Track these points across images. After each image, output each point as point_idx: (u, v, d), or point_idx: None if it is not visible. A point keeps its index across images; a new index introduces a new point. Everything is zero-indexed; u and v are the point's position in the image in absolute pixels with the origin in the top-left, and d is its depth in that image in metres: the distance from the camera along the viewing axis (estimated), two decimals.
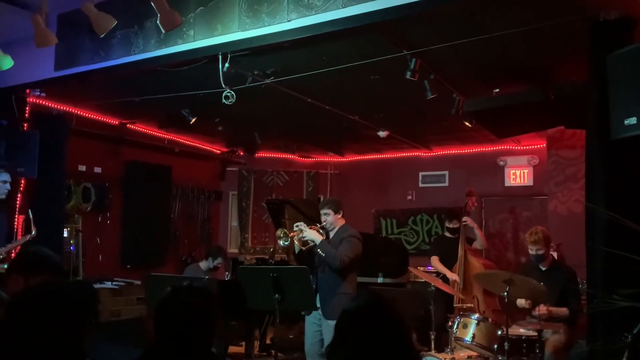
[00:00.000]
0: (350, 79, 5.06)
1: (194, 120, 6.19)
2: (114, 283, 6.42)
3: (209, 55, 4.41)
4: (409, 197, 8.81)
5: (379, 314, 1.84)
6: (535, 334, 4.17)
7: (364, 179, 9.17)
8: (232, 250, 9.03)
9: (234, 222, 9.36)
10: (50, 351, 1.75)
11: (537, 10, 3.68)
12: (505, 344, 4.08)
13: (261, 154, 9.05)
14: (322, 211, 4.59)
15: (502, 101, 5.06)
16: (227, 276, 7.31)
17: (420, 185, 8.78)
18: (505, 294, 4.13)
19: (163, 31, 4.00)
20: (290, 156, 9.21)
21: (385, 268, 7.01)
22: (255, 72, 4.90)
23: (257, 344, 6.29)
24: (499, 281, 4.17)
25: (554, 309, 4.34)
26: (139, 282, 6.51)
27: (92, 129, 6.77)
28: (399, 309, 1.88)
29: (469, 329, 4.41)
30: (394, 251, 7.41)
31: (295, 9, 3.88)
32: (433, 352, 4.63)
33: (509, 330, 4.15)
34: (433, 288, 4.94)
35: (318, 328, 4.48)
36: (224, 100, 4.70)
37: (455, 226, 5.93)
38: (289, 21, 3.92)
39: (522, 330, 4.33)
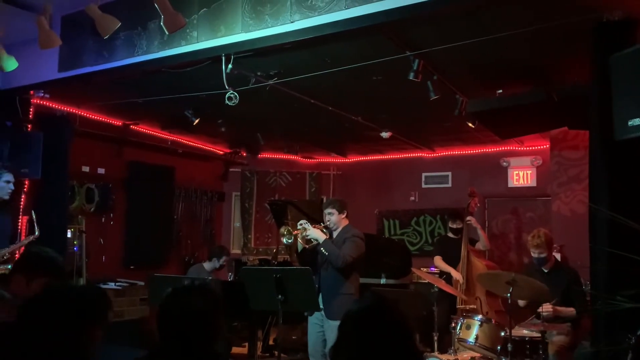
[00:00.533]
0: (353, 80, 5.06)
1: (197, 121, 6.20)
2: (117, 284, 6.43)
3: (212, 57, 4.42)
4: (412, 198, 8.80)
5: (382, 316, 1.84)
6: (539, 335, 4.16)
7: (367, 179, 9.16)
8: (235, 251, 9.03)
9: (236, 223, 9.37)
10: (60, 352, 1.76)
11: (541, 11, 3.68)
12: (509, 345, 4.07)
13: (264, 155, 9.05)
14: (327, 210, 4.58)
15: (505, 102, 5.05)
16: (230, 277, 7.33)
17: (423, 186, 8.78)
18: (509, 295, 4.12)
19: (167, 32, 4.01)
20: (293, 157, 9.22)
21: (388, 269, 7.01)
22: (259, 73, 4.91)
23: (260, 344, 6.29)
24: (502, 282, 4.16)
25: (559, 308, 4.33)
26: (142, 283, 6.52)
27: (96, 130, 6.78)
28: (402, 310, 1.88)
29: (472, 330, 4.40)
30: (397, 252, 7.40)
31: (299, 10, 3.89)
32: (436, 353, 4.63)
33: (512, 331, 4.14)
34: (436, 289, 4.94)
35: (320, 329, 4.48)
36: (227, 101, 4.71)
37: (459, 226, 5.93)
38: (292, 22, 3.92)
39: (525, 332, 4.32)
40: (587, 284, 4.21)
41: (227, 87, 4.62)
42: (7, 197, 4.81)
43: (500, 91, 5.18)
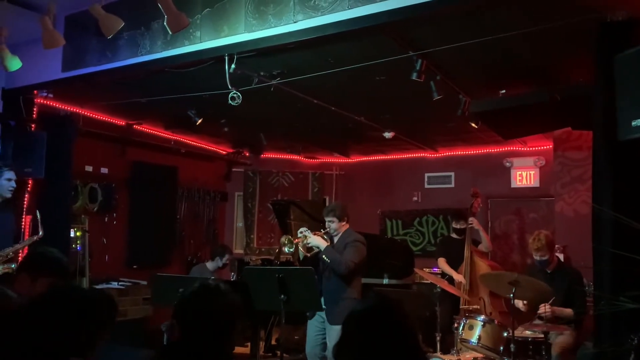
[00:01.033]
0: (356, 80, 5.06)
1: (200, 121, 6.20)
2: (120, 283, 6.44)
3: (216, 57, 4.42)
4: (415, 198, 8.79)
5: (386, 316, 1.84)
6: (542, 336, 4.16)
7: (370, 180, 9.16)
8: (238, 250, 9.04)
9: (239, 223, 9.38)
10: (65, 354, 1.77)
11: (544, 11, 3.67)
12: (512, 345, 4.07)
13: (267, 155, 9.06)
14: (327, 219, 4.56)
15: (508, 102, 5.04)
16: (233, 277, 7.34)
17: (426, 186, 8.76)
18: (512, 295, 4.12)
19: (170, 32, 4.01)
20: (295, 157, 9.23)
21: (390, 269, 7.00)
22: (262, 73, 4.91)
23: (262, 344, 6.29)
24: (505, 282, 4.16)
25: (557, 309, 4.33)
26: (145, 283, 6.52)
27: (99, 130, 6.79)
28: (406, 310, 1.88)
29: (475, 331, 4.40)
30: (400, 252, 7.40)
31: (302, 10, 3.89)
32: (439, 353, 4.62)
33: (515, 332, 4.14)
34: (439, 289, 4.94)
35: (320, 331, 4.47)
36: (230, 101, 4.71)
37: (462, 227, 5.93)
38: (295, 22, 3.92)
39: (528, 332, 4.32)
40: (591, 285, 4.21)
41: (230, 87, 4.62)
42: (8, 195, 4.81)
43: (504, 91, 5.18)
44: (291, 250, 4.52)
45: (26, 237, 5.35)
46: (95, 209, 6.88)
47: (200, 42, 4.37)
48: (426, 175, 8.75)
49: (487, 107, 5.15)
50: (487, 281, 4.77)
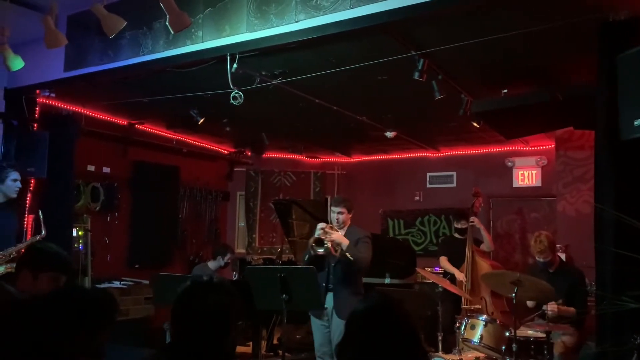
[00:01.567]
0: (358, 79, 5.06)
1: (202, 120, 6.21)
2: (122, 282, 6.45)
3: (217, 56, 4.43)
4: (417, 198, 8.79)
5: (388, 315, 1.84)
6: (544, 335, 4.15)
7: (372, 179, 9.16)
8: (240, 250, 9.05)
9: (241, 223, 9.38)
10: (67, 354, 1.77)
11: (545, 11, 3.67)
12: (513, 345, 4.07)
13: (269, 155, 9.05)
14: (337, 209, 4.51)
15: (510, 102, 5.04)
16: (235, 276, 7.35)
17: (428, 186, 8.76)
18: (513, 295, 4.12)
19: (172, 32, 4.02)
20: (297, 157, 9.23)
21: (392, 269, 7.01)
22: (263, 73, 4.91)
23: (264, 344, 6.30)
24: (507, 282, 4.16)
25: (563, 307, 4.34)
26: (147, 282, 6.53)
27: (101, 129, 6.80)
28: (408, 310, 1.88)
29: (477, 330, 4.40)
30: (402, 252, 7.40)
31: (303, 10, 3.89)
32: (440, 353, 4.62)
33: (517, 331, 4.14)
34: (440, 289, 4.94)
35: (327, 328, 4.47)
36: (232, 101, 4.71)
37: (464, 226, 5.93)
38: (297, 22, 3.92)
39: (530, 332, 4.31)
40: (593, 285, 4.21)
41: (232, 86, 4.62)
42: (14, 195, 4.83)
43: (506, 91, 5.17)
44: (322, 250, 4.28)
45: (29, 236, 5.36)
46: (97, 208, 6.89)
47: (202, 42, 4.38)
48: (428, 174, 8.75)
49: (489, 107, 5.14)
50: (489, 281, 4.77)
